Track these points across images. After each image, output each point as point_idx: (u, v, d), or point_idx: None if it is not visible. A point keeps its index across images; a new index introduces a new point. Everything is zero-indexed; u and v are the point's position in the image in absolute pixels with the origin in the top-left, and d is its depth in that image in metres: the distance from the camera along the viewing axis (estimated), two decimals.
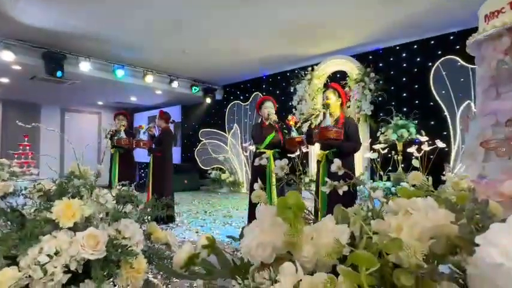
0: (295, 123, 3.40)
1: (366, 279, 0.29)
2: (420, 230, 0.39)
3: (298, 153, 5.97)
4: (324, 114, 2.85)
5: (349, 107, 5.75)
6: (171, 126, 5.05)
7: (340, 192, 0.68)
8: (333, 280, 0.31)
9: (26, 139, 5.54)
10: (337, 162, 0.63)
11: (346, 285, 0.30)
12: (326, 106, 2.84)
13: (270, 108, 3.38)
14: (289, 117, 3.34)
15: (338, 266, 0.31)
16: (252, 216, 3.24)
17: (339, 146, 2.75)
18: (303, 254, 0.44)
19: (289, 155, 3.50)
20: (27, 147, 5.52)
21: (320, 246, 0.43)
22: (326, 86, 3.28)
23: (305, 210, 0.64)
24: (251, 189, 2.81)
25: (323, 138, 2.71)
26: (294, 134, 3.25)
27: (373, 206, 0.49)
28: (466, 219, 0.37)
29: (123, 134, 4.36)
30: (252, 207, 3.22)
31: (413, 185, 0.67)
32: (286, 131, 3.30)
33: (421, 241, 0.39)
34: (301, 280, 0.37)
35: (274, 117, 3.32)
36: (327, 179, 0.67)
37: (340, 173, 0.64)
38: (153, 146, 4.50)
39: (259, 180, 0.74)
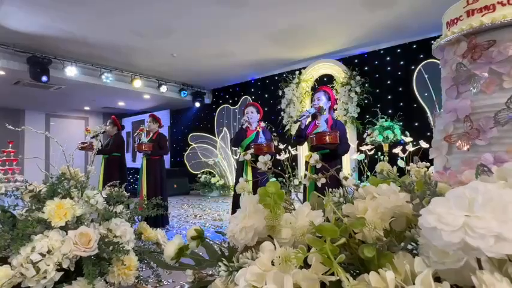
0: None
1: (329, 246, 0.34)
2: (382, 211, 0.45)
3: (287, 155, 6.07)
4: (316, 117, 2.92)
5: (335, 109, 5.89)
6: (164, 131, 5.08)
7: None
8: (304, 250, 0.36)
9: (10, 145, 5.43)
10: (315, 157, 0.69)
11: (315, 254, 0.35)
12: (322, 110, 2.79)
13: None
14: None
15: (306, 236, 0.37)
16: None
17: (335, 149, 2.73)
18: (281, 236, 0.49)
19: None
20: (12, 154, 5.41)
21: (297, 228, 0.49)
22: (315, 89, 3.29)
23: (286, 202, 0.69)
24: None
25: (321, 143, 2.65)
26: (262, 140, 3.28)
27: (345, 193, 0.54)
28: (418, 198, 0.43)
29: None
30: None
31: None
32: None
33: (383, 220, 0.44)
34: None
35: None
36: (306, 172, 0.72)
37: (318, 166, 0.69)
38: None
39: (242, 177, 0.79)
